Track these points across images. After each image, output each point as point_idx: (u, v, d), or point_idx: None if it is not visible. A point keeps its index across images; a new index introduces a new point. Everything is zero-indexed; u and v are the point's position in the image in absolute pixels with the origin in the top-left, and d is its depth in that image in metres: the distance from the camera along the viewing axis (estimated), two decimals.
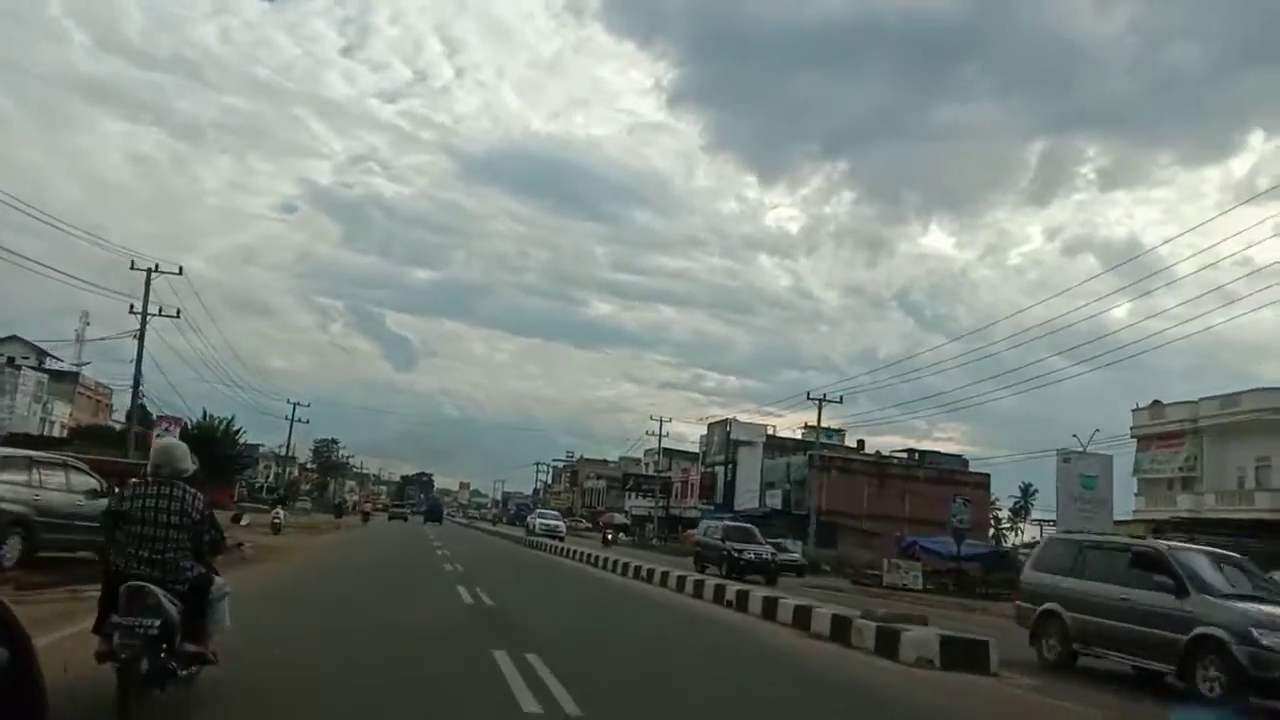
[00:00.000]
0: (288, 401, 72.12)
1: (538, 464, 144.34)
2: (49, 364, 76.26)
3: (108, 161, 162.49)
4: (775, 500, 68.58)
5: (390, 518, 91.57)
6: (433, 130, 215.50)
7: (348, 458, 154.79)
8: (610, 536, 54.57)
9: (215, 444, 51.87)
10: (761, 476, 72.14)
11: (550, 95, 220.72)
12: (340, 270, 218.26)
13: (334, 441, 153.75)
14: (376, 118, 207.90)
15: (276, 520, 35.37)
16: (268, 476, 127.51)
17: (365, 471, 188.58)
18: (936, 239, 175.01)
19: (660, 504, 78.57)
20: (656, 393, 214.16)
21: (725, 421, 77.79)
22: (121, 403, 72.49)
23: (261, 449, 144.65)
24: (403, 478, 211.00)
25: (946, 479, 67.72)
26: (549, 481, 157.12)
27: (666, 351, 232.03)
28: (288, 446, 67.65)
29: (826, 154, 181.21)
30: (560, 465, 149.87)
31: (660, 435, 75.30)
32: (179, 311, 42.46)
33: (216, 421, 55.44)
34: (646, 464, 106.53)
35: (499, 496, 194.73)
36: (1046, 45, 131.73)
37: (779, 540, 42.51)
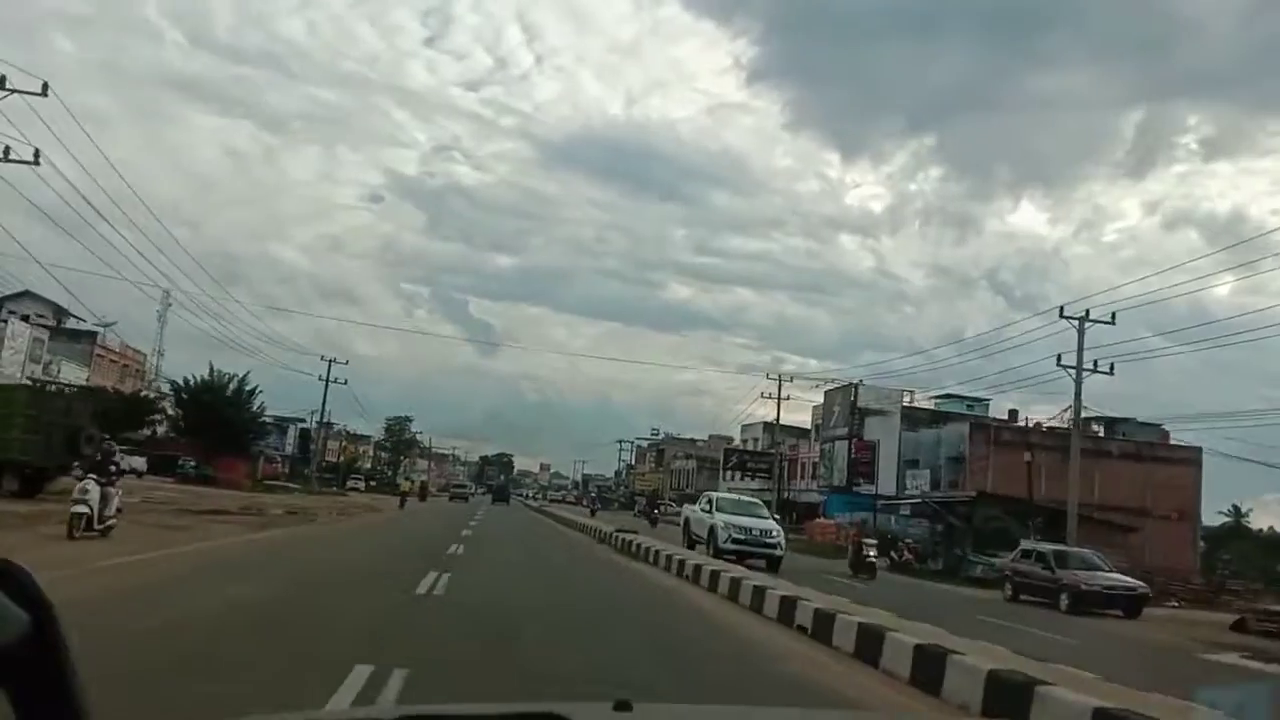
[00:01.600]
0: (321, 358, 57.94)
1: (620, 442, 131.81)
2: (71, 324, 66.41)
3: (202, 155, 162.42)
4: (922, 481, 54.59)
5: (451, 498, 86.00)
6: (513, 117, 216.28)
7: (415, 434, 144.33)
8: None
9: (221, 407, 40.91)
10: (899, 453, 58.22)
11: (628, 79, 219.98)
12: (425, 258, 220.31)
13: (407, 419, 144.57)
14: (458, 106, 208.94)
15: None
16: (338, 456, 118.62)
17: (443, 452, 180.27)
18: (1028, 215, 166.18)
19: (770, 486, 65.25)
20: (736, 376, 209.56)
21: (849, 387, 63.81)
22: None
23: (335, 427, 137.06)
24: (481, 458, 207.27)
25: (1146, 455, 52.91)
26: (632, 462, 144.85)
27: (746, 334, 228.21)
28: (321, 413, 56.51)
29: (912, 129, 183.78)
30: (645, 444, 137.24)
31: (779, 399, 61.16)
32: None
33: (224, 379, 44.27)
34: (745, 441, 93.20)
35: (578, 478, 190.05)
36: (1143, 7, 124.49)
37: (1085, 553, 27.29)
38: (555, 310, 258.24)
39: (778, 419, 62.84)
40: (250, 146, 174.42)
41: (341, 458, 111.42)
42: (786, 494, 66.36)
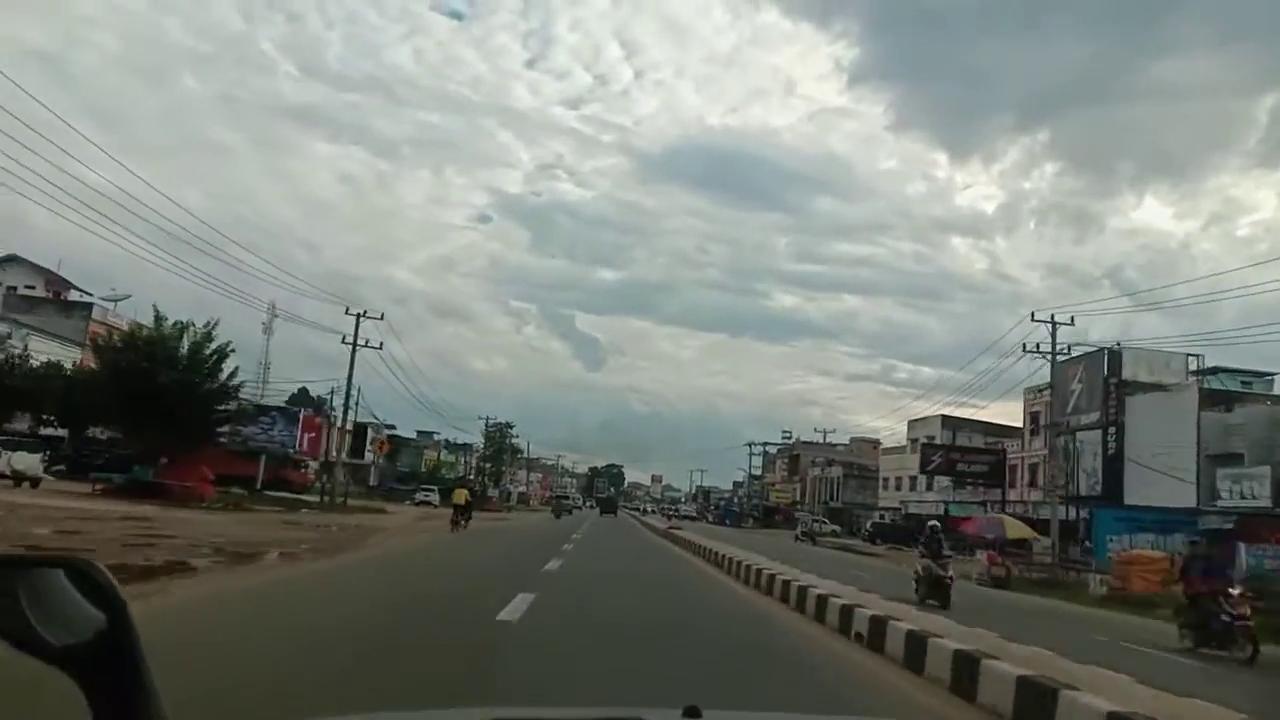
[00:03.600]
0: (347, 311, 40.09)
1: (750, 445, 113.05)
2: (71, 295, 52.46)
3: (318, 181, 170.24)
4: (1255, 484, 34.81)
5: (555, 513, 74.28)
6: (613, 133, 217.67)
7: (515, 440, 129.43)
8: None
9: (157, 374, 25.15)
10: (1199, 443, 38.41)
11: (728, 89, 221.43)
12: (530, 274, 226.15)
13: (508, 425, 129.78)
14: (560, 125, 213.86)
15: None
16: (439, 468, 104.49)
17: (549, 461, 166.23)
18: (1152, 210, 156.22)
19: (983, 496, 46.18)
20: (845, 385, 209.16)
21: (1098, 354, 44.11)
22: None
23: (436, 436, 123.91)
24: (590, 469, 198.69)
25: None
26: (757, 471, 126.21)
27: (854, 342, 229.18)
28: (348, 384, 39.49)
29: (1023, 125, 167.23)
30: (774, 450, 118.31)
31: (1052, 349, 40.40)
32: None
33: (173, 328, 27.95)
34: (915, 441, 73.76)
35: (692, 490, 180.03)
36: None
37: None
38: (659, 323, 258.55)
39: (1052, 370, 41.28)
40: (363, 172, 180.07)
41: (424, 464, 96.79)
42: (1009, 508, 47.12)
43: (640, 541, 29.58)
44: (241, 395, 33.20)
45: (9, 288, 51.08)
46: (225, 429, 30.71)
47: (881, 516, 78.86)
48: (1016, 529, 27.22)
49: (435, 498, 57.06)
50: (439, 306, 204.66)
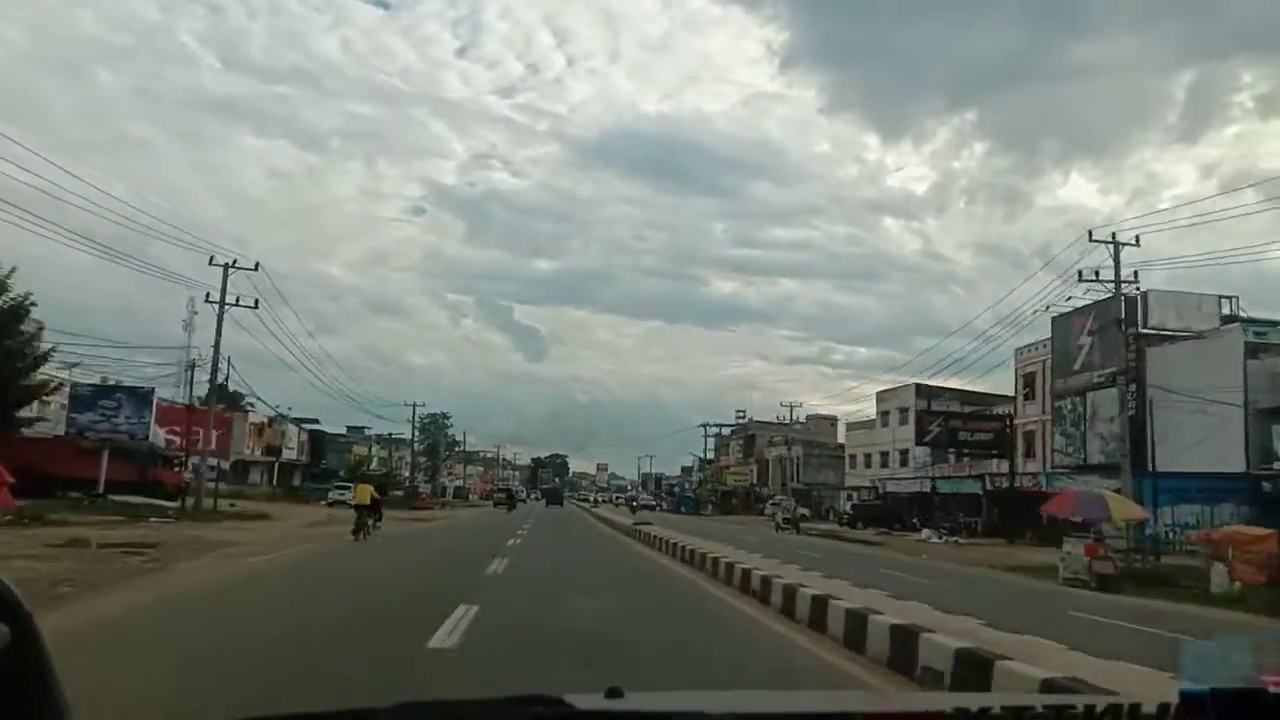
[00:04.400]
0: (211, 263, 31.48)
1: (705, 425, 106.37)
2: None
3: (245, 176, 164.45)
4: None
5: (495, 505, 73.75)
6: (547, 121, 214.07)
7: (450, 433, 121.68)
8: None
9: None
10: (1246, 399, 32.68)
11: (661, 75, 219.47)
12: (467, 267, 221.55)
13: (444, 416, 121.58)
14: (493, 114, 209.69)
15: None
16: (368, 463, 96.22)
17: (490, 454, 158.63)
18: (1078, 187, 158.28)
19: (990, 471, 40.06)
20: (785, 368, 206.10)
21: (1105, 302, 38.03)
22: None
23: (367, 430, 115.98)
24: (533, 460, 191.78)
25: None
26: (708, 455, 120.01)
27: (792, 325, 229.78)
28: (214, 363, 31.38)
29: (953, 106, 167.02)
30: (726, 432, 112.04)
31: (1116, 275, 33.43)
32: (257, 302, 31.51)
33: None
34: (886, 414, 67.99)
35: (639, 478, 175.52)
36: None
37: None
38: (598, 311, 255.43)
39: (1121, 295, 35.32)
40: (291, 165, 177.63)
41: (353, 461, 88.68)
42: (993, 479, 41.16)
43: (600, 548, 22.56)
44: (75, 376, 25.28)
45: None
46: (32, 414, 22.86)
47: (850, 497, 73.20)
48: (1124, 508, 20.73)
49: (350, 495, 49.38)
50: (374, 302, 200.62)
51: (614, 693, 1.42)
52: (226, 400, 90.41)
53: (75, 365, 34.02)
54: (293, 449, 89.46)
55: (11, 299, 20.93)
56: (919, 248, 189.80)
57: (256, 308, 32.05)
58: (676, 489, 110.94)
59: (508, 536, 26.01)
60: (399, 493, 71.40)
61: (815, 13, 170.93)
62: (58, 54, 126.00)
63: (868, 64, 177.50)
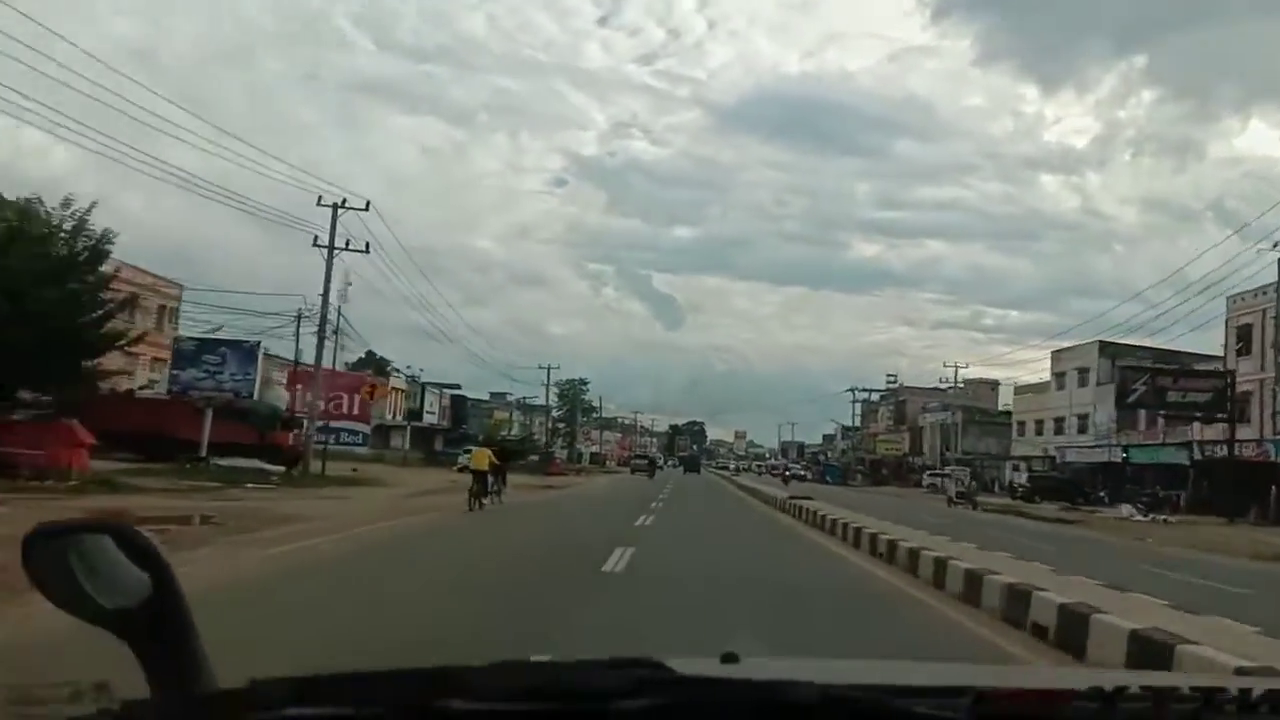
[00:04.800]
0: (320, 203, 29.46)
1: (854, 390, 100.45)
2: None
3: (397, 154, 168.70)
4: None
5: (633, 471, 73.97)
6: (687, 87, 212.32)
7: (587, 399, 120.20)
8: None
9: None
10: None
11: (803, 34, 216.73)
12: (607, 236, 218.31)
13: (582, 382, 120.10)
14: (634, 82, 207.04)
15: None
16: (508, 428, 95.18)
17: (627, 421, 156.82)
18: (1259, 135, 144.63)
19: (1196, 438, 33.71)
20: (931, 334, 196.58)
21: None
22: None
23: (508, 397, 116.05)
24: (671, 427, 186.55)
25: None
26: (855, 422, 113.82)
27: (939, 289, 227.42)
28: (324, 302, 28.60)
29: (1120, 51, 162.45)
30: (874, 398, 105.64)
31: None
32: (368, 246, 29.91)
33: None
34: (1063, 375, 61.13)
35: (779, 446, 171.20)
36: None
37: None
38: (737, 279, 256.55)
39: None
40: (440, 142, 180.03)
41: (489, 424, 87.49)
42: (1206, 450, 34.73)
43: (760, 540, 17.99)
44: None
45: None
46: (103, 365, 20.35)
47: (1017, 468, 66.64)
48: None
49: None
50: (518, 274, 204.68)
51: (729, 657, 1.36)
52: (372, 366, 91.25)
53: (218, 329, 32.47)
54: (433, 413, 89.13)
55: (86, 237, 18.43)
56: (1078, 205, 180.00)
57: (367, 251, 29.42)
58: (821, 457, 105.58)
59: (638, 512, 22.26)
60: (534, 457, 69.45)
61: None
62: (228, 42, 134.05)
63: (1027, 10, 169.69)
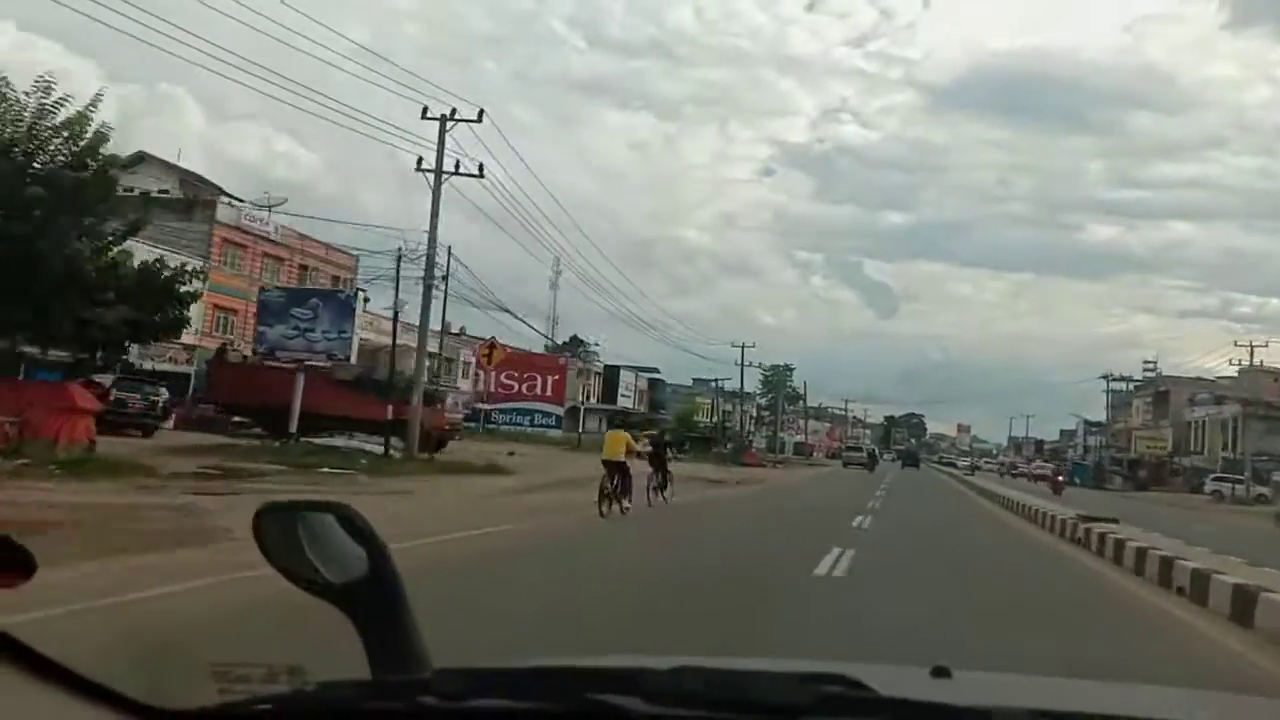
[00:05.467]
0: (425, 116, 24.35)
1: (1107, 377, 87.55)
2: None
3: (609, 149, 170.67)
4: None
5: (845, 464, 65.13)
6: (900, 67, 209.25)
7: (794, 388, 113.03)
8: None
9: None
10: None
11: (1025, 7, 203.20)
12: (815, 224, 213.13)
13: (787, 368, 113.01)
14: (843, 66, 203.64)
15: None
16: (712, 415, 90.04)
17: (838, 411, 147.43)
18: None
19: None
20: (1174, 323, 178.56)
21: None
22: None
23: (713, 383, 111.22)
24: (886, 419, 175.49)
25: None
26: (1105, 415, 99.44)
27: (1184, 274, 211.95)
28: (432, 234, 23.23)
29: None
30: (1131, 386, 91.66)
31: None
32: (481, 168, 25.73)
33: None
34: None
35: (1009, 442, 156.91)
36: None
37: None
38: (957, 265, 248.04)
39: None
40: (650, 136, 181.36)
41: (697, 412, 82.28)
42: None
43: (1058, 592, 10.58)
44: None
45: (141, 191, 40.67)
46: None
47: None
48: None
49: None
50: (726, 263, 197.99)
51: (941, 671, 1.34)
52: (571, 347, 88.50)
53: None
54: (628, 396, 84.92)
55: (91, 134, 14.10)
56: None
57: (481, 175, 23.79)
58: (1068, 455, 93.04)
59: (838, 530, 15.43)
60: (729, 446, 62.92)
61: None
62: (450, 45, 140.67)
63: None
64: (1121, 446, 77.53)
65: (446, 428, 27.86)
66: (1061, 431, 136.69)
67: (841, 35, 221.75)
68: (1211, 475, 54.32)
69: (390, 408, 24.33)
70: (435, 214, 22.06)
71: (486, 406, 60.95)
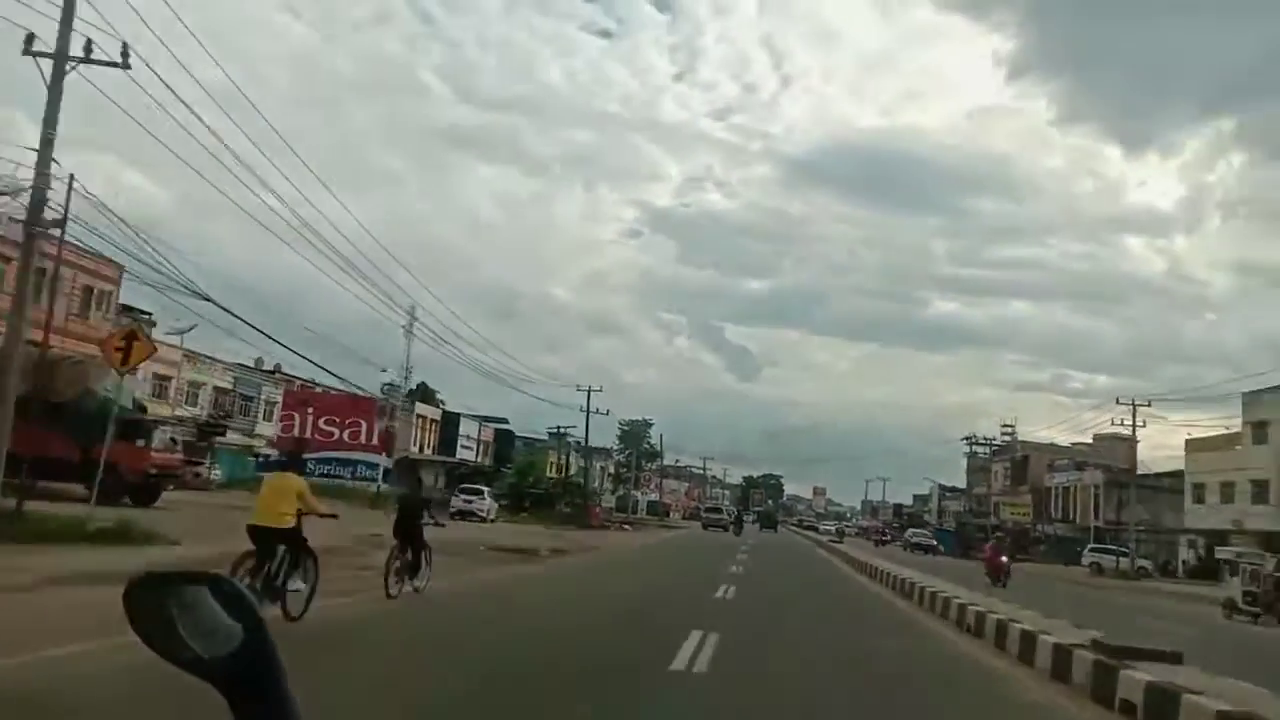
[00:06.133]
0: None
1: (969, 440, 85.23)
2: None
3: (477, 202, 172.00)
4: None
5: (705, 526, 64.94)
6: (762, 141, 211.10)
7: (652, 443, 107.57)
8: None
9: None
10: None
11: (878, 91, 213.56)
12: (680, 286, 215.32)
13: (645, 423, 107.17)
14: (709, 136, 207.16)
15: None
16: (565, 470, 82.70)
17: (697, 470, 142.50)
18: None
19: None
20: (1013, 396, 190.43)
21: None
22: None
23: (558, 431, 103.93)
24: (745, 479, 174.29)
25: None
26: (966, 480, 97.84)
27: (1021, 349, 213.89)
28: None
29: (1206, 114, 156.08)
30: (988, 450, 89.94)
31: None
32: None
33: None
34: (1264, 425, 46.07)
35: (865, 506, 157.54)
36: None
37: None
38: (812, 332, 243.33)
39: None
40: (518, 190, 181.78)
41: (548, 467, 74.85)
42: None
43: None
44: None
45: None
46: None
47: (1193, 544, 51.67)
48: None
49: (487, 505, 34.31)
50: (592, 321, 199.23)
51: None
52: (419, 394, 79.72)
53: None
54: (470, 448, 76.69)
55: None
56: (1165, 268, 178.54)
57: (126, 66, 15.37)
58: (929, 521, 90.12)
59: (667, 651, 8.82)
60: (565, 508, 55.11)
61: (1047, 18, 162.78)
62: (316, 93, 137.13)
63: (1106, 71, 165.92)
64: (982, 511, 74.57)
65: (154, 470, 19.93)
66: (915, 496, 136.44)
67: (708, 106, 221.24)
68: (1088, 546, 50.84)
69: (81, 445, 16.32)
70: (53, 114, 13.65)
71: (272, 452, 51.04)
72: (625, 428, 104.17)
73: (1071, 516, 72.22)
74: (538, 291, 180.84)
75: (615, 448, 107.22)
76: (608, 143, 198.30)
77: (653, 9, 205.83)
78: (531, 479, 63.32)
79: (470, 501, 37.03)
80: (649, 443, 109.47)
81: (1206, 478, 51.52)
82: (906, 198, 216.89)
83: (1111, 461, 74.54)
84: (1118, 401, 55.00)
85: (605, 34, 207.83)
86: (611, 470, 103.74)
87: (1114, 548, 48.32)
